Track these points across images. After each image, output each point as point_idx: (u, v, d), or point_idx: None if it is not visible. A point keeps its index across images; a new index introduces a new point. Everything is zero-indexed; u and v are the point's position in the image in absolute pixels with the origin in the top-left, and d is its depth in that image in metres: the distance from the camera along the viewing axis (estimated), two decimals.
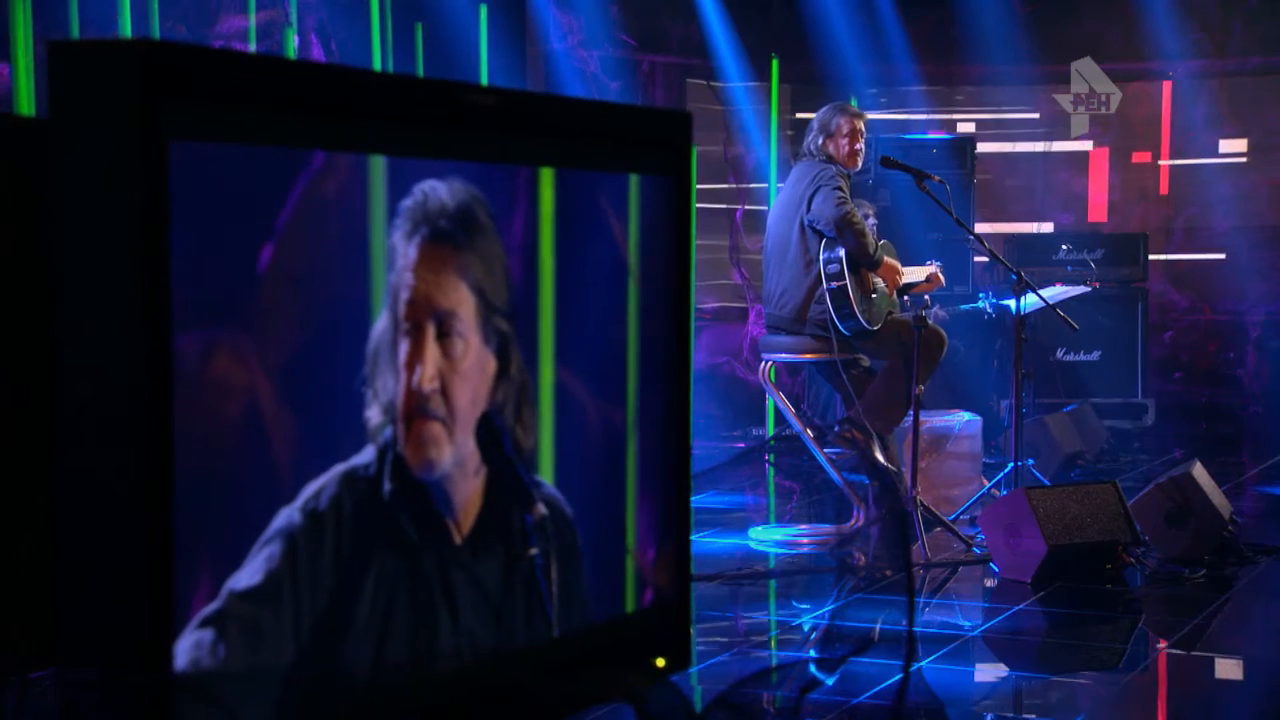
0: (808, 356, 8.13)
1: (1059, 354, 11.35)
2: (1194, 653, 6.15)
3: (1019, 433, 8.15)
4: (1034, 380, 10.07)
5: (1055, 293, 8.85)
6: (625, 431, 2.95)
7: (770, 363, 8.42)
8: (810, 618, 6.60)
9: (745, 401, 12.15)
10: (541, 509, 2.83)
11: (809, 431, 8.47)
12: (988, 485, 8.45)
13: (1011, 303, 8.20)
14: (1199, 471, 7.38)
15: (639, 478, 2.93)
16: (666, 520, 2.91)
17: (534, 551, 2.80)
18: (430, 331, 2.77)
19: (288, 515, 2.55)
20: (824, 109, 8.34)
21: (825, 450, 8.39)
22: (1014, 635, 6.31)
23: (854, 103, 10.75)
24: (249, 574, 2.50)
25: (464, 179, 2.73)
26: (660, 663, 2.87)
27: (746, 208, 13.46)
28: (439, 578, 2.75)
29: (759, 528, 8.23)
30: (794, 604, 6.95)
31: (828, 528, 8.30)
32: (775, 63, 12.14)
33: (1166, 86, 13.66)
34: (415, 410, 2.75)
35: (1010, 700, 5.62)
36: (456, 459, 2.80)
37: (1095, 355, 11.42)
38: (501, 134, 2.67)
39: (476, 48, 11.27)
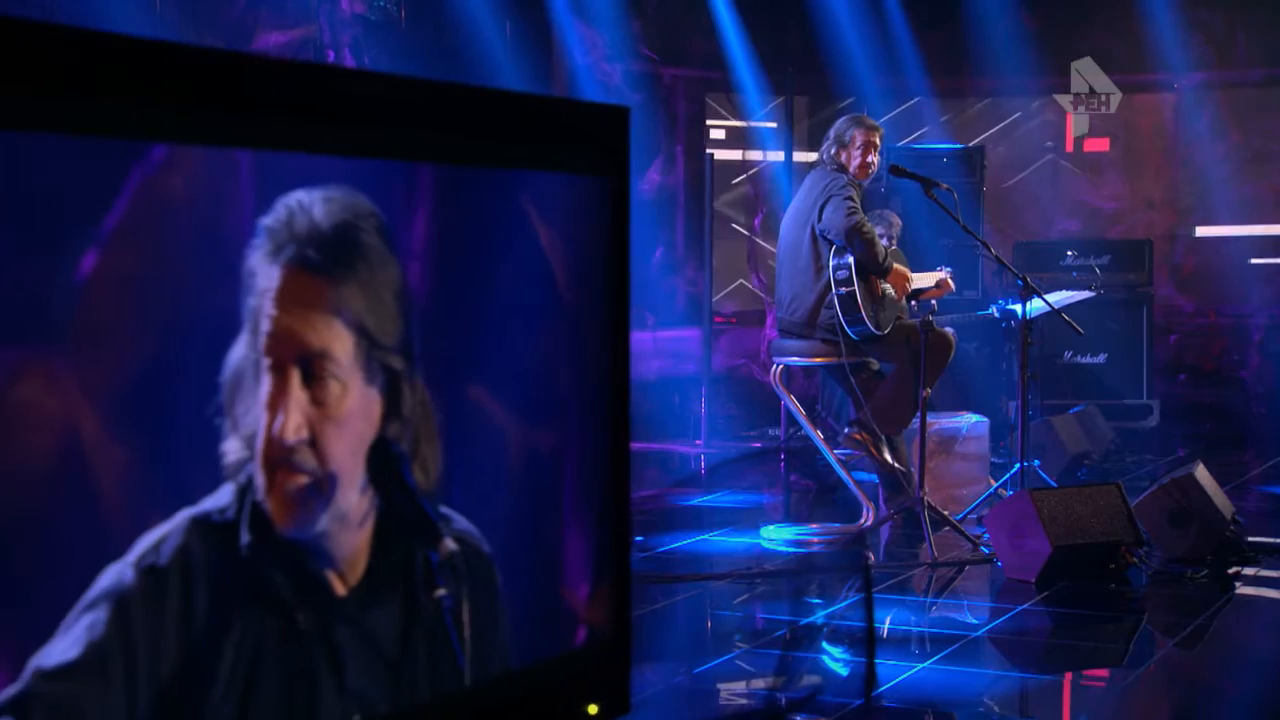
0: (817, 360, 7.82)
1: (1066, 357, 11.09)
2: (1196, 652, 5.88)
3: (1025, 434, 7.85)
4: (1041, 382, 9.89)
5: (1060, 298, 8.54)
6: (555, 458, 2.39)
7: (781, 365, 8.03)
8: (822, 615, 6.32)
9: (763, 402, 11.79)
10: (450, 545, 2.27)
11: (819, 433, 8.11)
12: (994, 485, 8.16)
13: (1018, 307, 7.82)
14: (1201, 473, 7.12)
15: (571, 508, 2.38)
16: (603, 553, 2.38)
17: (441, 593, 2.25)
18: (295, 375, 2.19)
19: (117, 573, 1.98)
20: (841, 120, 8.03)
21: (835, 451, 8.05)
22: (1018, 635, 6.01)
23: (867, 114, 10.48)
24: (64, 648, 1.93)
25: (350, 186, 2.12)
26: (593, 709, 2.36)
27: (764, 215, 13.16)
28: (319, 636, 2.16)
29: (770, 526, 7.84)
30: (801, 603, 6.61)
31: (837, 526, 7.92)
32: (791, 76, 11.82)
33: (1172, 98, 13.32)
34: (278, 461, 2.17)
35: (1014, 699, 5.33)
36: (336, 515, 2.24)
37: (1102, 358, 11.15)
38: (395, 127, 2.06)
39: (502, 62, 10.96)
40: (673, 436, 11.31)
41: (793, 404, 8.18)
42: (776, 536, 7.72)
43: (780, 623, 6.17)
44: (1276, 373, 12.70)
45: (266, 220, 2.09)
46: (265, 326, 2.09)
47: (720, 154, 12.80)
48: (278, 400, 2.13)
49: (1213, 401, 12.88)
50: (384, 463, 2.21)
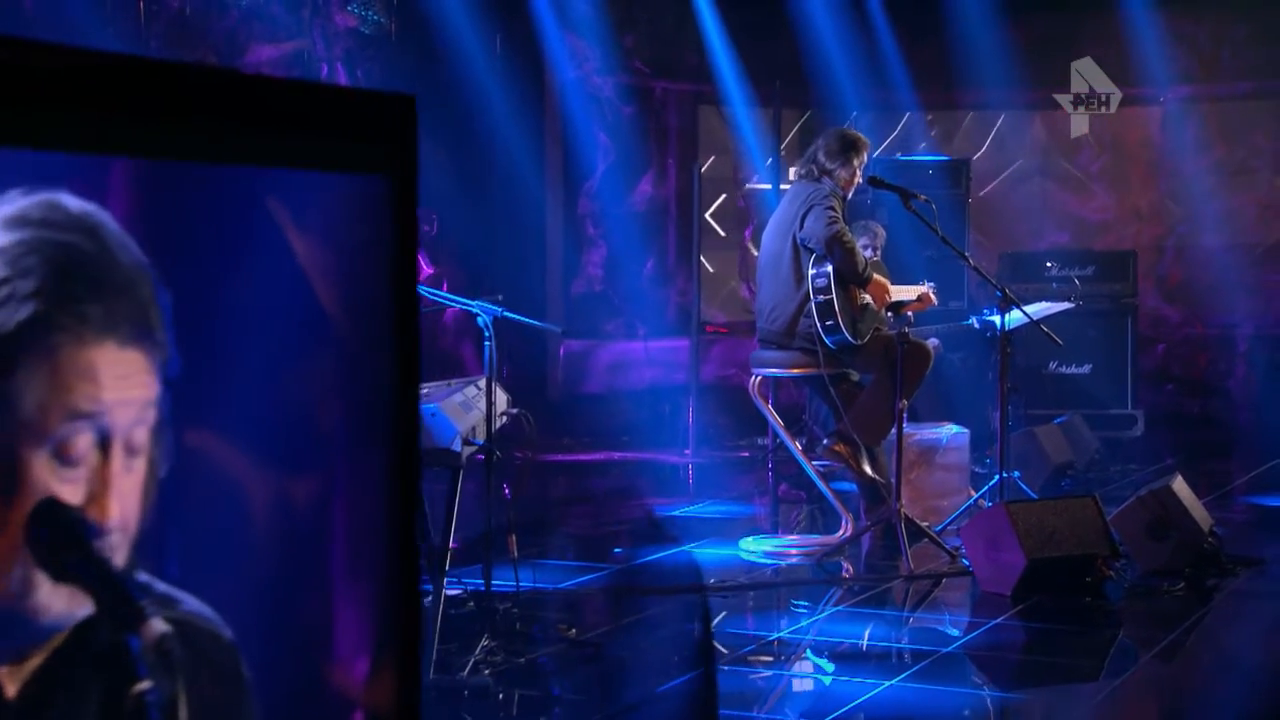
0: (796, 371, 7.64)
1: (1051, 367, 10.86)
2: (1172, 667, 5.69)
3: (1004, 445, 7.62)
4: (1026, 392, 9.72)
5: (1039, 309, 8.30)
6: (320, 511, 1.91)
7: (759, 376, 7.82)
8: (794, 629, 6.12)
9: (751, 411, 11.53)
10: (158, 628, 1.74)
11: (797, 445, 7.89)
12: (974, 496, 7.93)
13: (996, 318, 7.62)
14: (1179, 485, 6.91)
15: (343, 570, 1.90)
16: (385, 620, 1.91)
17: (144, 687, 1.71)
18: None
19: None
20: (841, 132, 7.79)
21: (814, 463, 7.83)
22: (991, 650, 5.80)
23: (854, 125, 10.37)
24: None
25: (25, 186, 1.58)
26: None
27: (755, 226, 12.99)
28: None
29: (749, 538, 7.61)
30: (772, 617, 6.46)
31: (816, 538, 7.71)
32: (778, 89, 11.63)
33: (1158, 111, 13.10)
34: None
35: (983, 718, 5.12)
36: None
37: (1086, 368, 10.93)
38: (90, 113, 1.59)
39: (491, 75, 10.78)
40: (662, 446, 11.10)
41: (771, 415, 7.97)
42: (755, 548, 7.50)
43: (753, 638, 5.97)
44: (1262, 383, 12.51)
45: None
46: None
47: (711, 164, 12.62)
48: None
49: (1199, 411, 12.70)
50: (62, 529, 1.71)
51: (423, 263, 11.22)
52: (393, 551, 1.81)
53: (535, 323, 5.59)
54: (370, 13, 10.67)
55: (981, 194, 12.22)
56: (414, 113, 1.71)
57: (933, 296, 8.01)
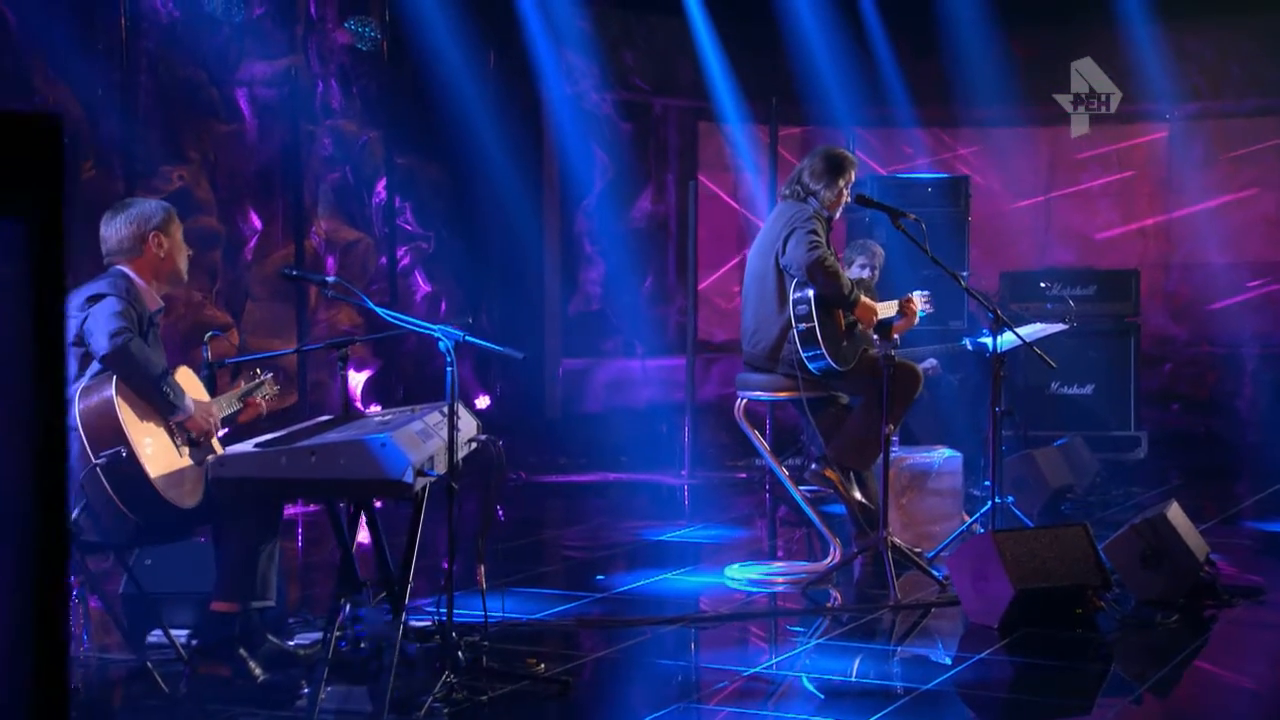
0: (781, 395, 7.35)
1: (1053, 388, 10.56)
2: (1165, 703, 5.41)
3: (997, 470, 7.34)
4: (1026, 414, 9.48)
5: (1033, 330, 8.02)
6: None
7: (744, 399, 7.55)
8: (769, 664, 5.82)
9: None
10: None
11: (784, 469, 7.63)
12: (967, 522, 7.67)
13: (989, 340, 7.33)
14: (1174, 512, 6.64)
15: None
16: None
17: None
18: None
19: None
20: (830, 153, 7.51)
21: (803, 487, 7.56)
22: (974, 688, 5.50)
23: (850, 144, 10.17)
24: None
25: None
26: None
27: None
28: None
29: (735, 565, 7.35)
30: (746, 651, 6.18)
31: (804, 565, 7.44)
32: (775, 106, 11.39)
33: (1165, 127, 12.85)
34: None
35: None
36: None
37: (1088, 389, 10.64)
38: None
39: (486, 92, 10.58)
40: (659, 467, 10.84)
41: (756, 439, 7.69)
42: (740, 576, 7.23)
43: (728, 673, 5.71)
44: (1270, 402, 12.27)
45: None
46: None
47: (711, 181, 12.41)
48: None
49: (1205, 431, 12.44)
50: None
51: (420, 280, 11.05)
52: (17, 697, 1.34)
53: (496, 348, 5.34)
54: (366, 30, 10.47)
55: (983, 212, 11.98)
56: (59, 138, 1.33)
57: (915, 305, 7.68)
